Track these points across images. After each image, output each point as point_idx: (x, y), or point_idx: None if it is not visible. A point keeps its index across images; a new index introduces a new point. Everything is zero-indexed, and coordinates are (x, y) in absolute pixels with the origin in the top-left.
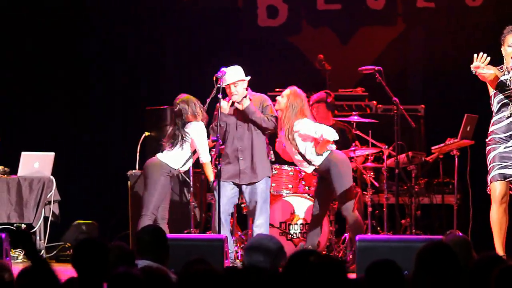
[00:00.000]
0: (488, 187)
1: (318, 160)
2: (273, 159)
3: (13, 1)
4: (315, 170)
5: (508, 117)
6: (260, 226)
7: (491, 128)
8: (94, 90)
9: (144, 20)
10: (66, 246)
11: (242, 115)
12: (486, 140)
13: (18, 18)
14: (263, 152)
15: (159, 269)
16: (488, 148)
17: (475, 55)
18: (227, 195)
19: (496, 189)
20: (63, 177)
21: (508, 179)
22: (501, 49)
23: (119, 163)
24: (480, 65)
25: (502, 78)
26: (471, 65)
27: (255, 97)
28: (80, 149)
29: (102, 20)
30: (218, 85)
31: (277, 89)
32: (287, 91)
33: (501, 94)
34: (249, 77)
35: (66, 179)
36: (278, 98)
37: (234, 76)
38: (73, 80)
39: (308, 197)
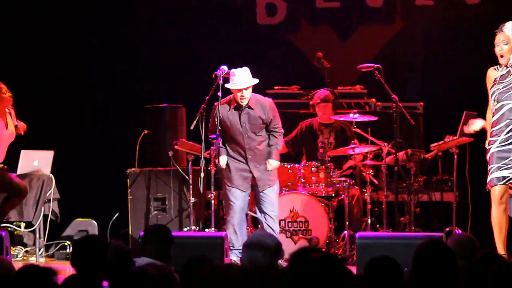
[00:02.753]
0: (488, 185)
1: None
2: None
3: (14, 1)
4: None
5: (501, 108)
6: None
7: (491, 121)
8: (94, 89)
9: (141, 18)
10: (66, 244)
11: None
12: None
13: (17, 18)
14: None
15: (163, 267)
16: (488, 146)
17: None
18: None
19: (495, 191)
20: (62, 175)
21: (505, 182)
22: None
23: (119, 161)
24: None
25: (496, 75)
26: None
27: (260, 102)
28: (79, 147)
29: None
30: (219, 83)
31: (276, 87)
32: None
33: (495, 87)
34: (257, 80)
35: (66, 177)
36: None
37: (247, 80)
38: (72, 78)
39: (308, 194)
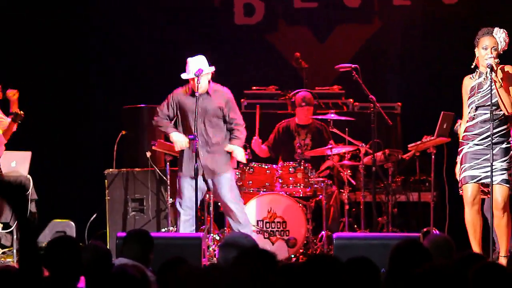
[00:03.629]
0: (460, 188)
1: None
2: (250, 157)
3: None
4: None
5: (476, 117)
6: None
7: (464, 127)
8: (73, 88)
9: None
10: (43, 245)
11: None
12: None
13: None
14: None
15: (135, 266)
16: (459, 148)
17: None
18: None
19: (468, 191)
20: (40, 176)
21: (477, 180)
22: (475, 50)
23: (96, 162)
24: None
25: (473, 84)
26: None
27: (219, 91)
28: (57, 147)
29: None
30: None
31: (254, 87)
32: None
33: (473, 98)
34: (213, 68)
35: (43, 178)
36: None
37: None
38: (52, 77)
39: (285, 195)
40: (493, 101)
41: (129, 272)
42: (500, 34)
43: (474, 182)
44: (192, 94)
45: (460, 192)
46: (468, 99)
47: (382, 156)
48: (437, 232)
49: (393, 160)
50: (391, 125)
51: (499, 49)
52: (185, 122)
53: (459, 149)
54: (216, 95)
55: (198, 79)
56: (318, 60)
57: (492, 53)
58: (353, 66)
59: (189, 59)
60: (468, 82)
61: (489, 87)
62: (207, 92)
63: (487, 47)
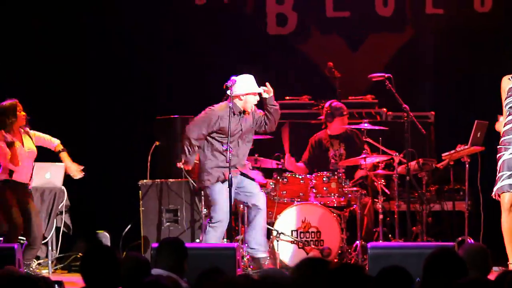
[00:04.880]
0: (494, 193)
1: None
2: (283, 167)
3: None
4: None
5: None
6: None
7: (502, 131)
8: (106, 100)
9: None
10: (78, 256)
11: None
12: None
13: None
14: None
15: (169, 277)
16: (498, 154)
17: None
18: None
19: (505, 198)
20: (74, 187)
21: None
22: None
23: (130, 173)
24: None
25: (511, 85)
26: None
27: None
28: (91, 158)
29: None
30: (228, 94)
31: (287, 97)
32: None
33: (510, 98)
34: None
35: (78, 189)
36: None
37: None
38: (84, 90)
39: (319, 204)
40: None
41: (162, 282)
42: None
43: None
44: (234, 112)
45: (493, 196)
46: (505, 99)
47: (416, 165)
48: (472, 241)
49: (427, 169)
50: (425, 134)
51: None
52: (223, 140)
53: (498, 155)
54: (251, 113)
55: (230, 89)
56: (351, 69)
57: None
58: (386, 75)
59: (241, 76)
60: (507, 83)
61: None
62: (244, 111)
63: None
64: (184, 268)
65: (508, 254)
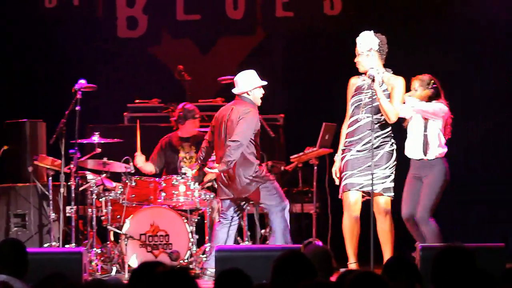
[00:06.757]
0: (340, 193)
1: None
2: (132, 171)
3: None
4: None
5: (358, 121)
6: None
7: (345, 132)
8: None
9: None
10: None
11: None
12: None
13: None
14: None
15: (4, 283)
16: (341, 155)
17: None
18: None
19: (348, 198)
20: None
21: (358, 188)
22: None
23: None
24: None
25: (359, 84)
26: None
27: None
28: None
29: None
30: (78, 97)
31: (137, 101)
32: None
33: (356, 97)
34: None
35: None
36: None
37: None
38: None
39: (168, 208)
40: (373, 105)
41: None
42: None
43: (356, 190)
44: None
45: (340, 196)
46: (351, 98)
47: (265, 168)
48: (320, 243)
49: (276, 172)
50: (274, 136)
51: (378, 51)
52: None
53: (342, 155)
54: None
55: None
56: (201, 72)
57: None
58: (234, 78)
59: (245, 72)
60: (354, 81)
61: (371, 95)
62: None
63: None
64: (25, 270)
65: (348, 254)
